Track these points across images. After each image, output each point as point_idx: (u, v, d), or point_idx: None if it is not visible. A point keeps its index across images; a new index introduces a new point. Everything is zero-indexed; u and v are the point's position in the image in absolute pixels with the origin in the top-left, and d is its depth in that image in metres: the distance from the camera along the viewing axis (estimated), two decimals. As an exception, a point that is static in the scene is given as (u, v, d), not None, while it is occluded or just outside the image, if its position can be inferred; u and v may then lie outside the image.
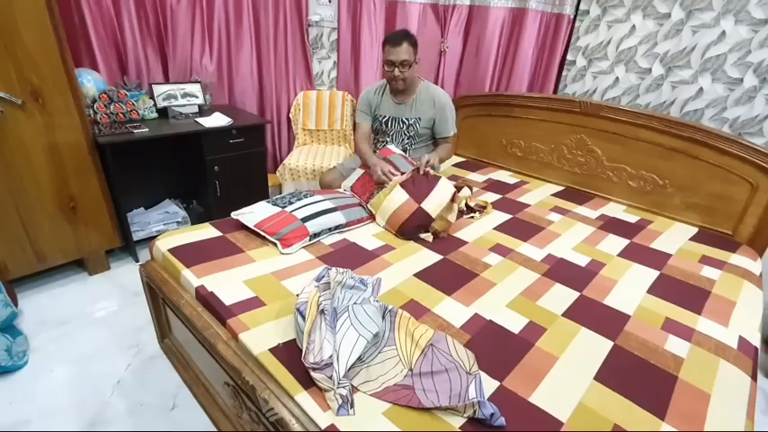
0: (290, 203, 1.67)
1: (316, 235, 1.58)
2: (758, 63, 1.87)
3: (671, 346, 1.17)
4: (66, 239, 1.98)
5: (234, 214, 1.64)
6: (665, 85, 2.14)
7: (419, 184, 1.73)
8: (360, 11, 2.80)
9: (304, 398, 0.91)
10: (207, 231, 1.57)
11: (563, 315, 1.27)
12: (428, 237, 1.67)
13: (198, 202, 2.76)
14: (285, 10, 2.75)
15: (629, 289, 1.44)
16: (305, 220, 1.58)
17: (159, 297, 1.46)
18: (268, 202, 1.71)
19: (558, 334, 1.18)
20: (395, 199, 1.70)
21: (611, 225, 1.94)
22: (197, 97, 2.44)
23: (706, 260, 1.69)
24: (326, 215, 1.64)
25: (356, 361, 0.97)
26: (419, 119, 2.08)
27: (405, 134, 2.12)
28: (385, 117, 2.11)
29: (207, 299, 1.22)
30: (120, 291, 2.05)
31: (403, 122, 2.09)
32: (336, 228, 1.66)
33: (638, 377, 1.05)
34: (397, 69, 1.92)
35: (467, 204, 1.94)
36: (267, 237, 1.52)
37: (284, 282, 1.32)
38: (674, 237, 1.87)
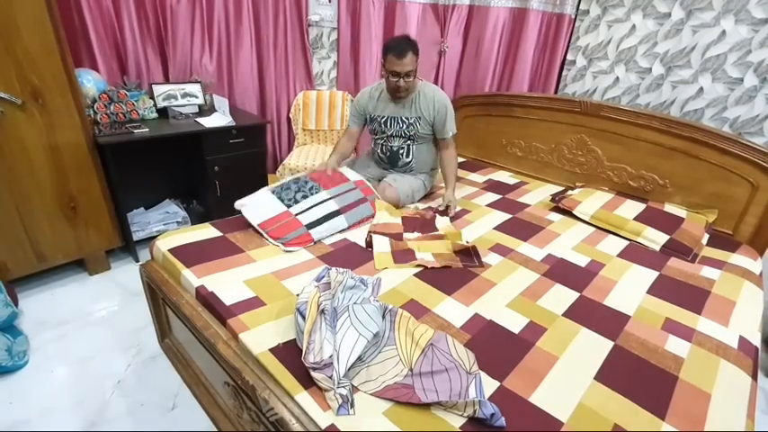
0: (296, 201, 1.68)
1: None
2: (758, 63, 1.87)
3: (671, 346, 1.17)
4: (66, 239, 1.98)
5: (237, 204, 1.65)
6: (666, 84, 2.14)
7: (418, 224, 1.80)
8: (359, 11, 2.80)
9: (304, 398, 0.91)
10: (207, 231, 1.57)
11: (563, 315, 1.27)
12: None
13: (198, 203, 2.77)
14: (285, 10, 2.75)
15: (628, 289, 1.44)
16: (310, 226, 1.59)
17: (159, 297, 1.46)
18: (272, 192, 1.72)
19: (558, 334, 1.18)
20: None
21: (612, 225, 1.93)
22: (197, 97, 2.44)
23: (706, 260, 1.68)
24: (331, 220, 1.65)
25: (356, 361, 0.97)
26: (419, 118, 1.99)
27: (404, 134, 2.03)
28: (383, 117, 2.04)
29: (207, 299, 1.22)
30: (121, 291, 2.05)
31: (402, 122, 2.01)
32: (339, 231, 1.67)
33: (638, 377, 1.05)
34: (402, 80, 1.85)
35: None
36: (270, 241, 1.53)
37: (284, 281, 1.32)
38: (674, 236, 1.86)
